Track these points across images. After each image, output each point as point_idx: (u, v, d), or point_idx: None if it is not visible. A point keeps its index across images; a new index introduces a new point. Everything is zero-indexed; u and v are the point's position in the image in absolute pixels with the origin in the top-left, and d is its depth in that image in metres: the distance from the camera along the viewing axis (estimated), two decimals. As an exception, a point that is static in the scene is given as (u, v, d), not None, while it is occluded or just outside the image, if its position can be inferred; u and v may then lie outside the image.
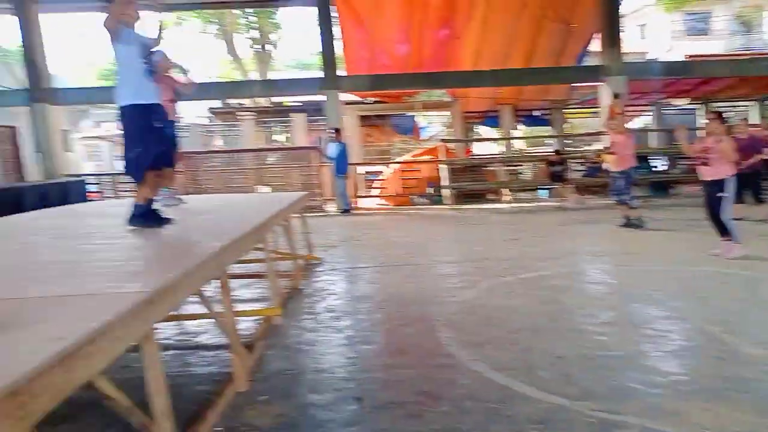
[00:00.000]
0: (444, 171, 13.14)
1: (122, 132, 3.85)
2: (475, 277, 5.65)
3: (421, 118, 22.70)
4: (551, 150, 15.20)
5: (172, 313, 4.19)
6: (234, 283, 5.72)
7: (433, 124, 24.30)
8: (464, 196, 13.24)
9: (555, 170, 12.16)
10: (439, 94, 18.50)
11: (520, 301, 4.76)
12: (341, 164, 11.92)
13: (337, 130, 12.16)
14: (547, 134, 20.67)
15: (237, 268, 6.03)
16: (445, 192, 13.14)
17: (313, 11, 12.85)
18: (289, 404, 2.98)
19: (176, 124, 5.33)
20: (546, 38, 13.99)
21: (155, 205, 4.08)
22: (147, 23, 4.18)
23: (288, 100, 19.09)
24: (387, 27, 13.77)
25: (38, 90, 12.30)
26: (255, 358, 3.57)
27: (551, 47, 14.13)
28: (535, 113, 19.28)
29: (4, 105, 12.68)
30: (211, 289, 3.61)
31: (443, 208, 12.78)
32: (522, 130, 21.53)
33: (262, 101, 20.19)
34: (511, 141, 18.55)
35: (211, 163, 13.35)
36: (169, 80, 5.24)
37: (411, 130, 20.90)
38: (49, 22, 13.09)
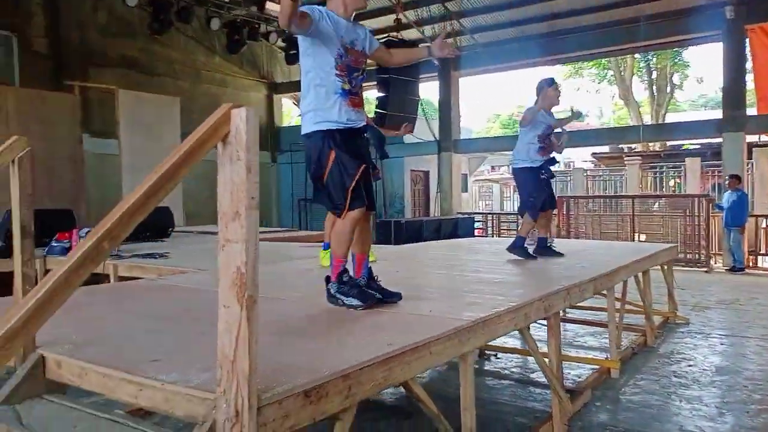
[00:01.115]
0: None
1: (519, 184, 5.32)
2: None
3: None
4: None
5: (498, 344, 4.63)
6: (581, 329, 5.80)
7: None
8: None
9: None
10: None
11: None
12: (736, 215, 10.43)
13: (734, 177, 10.70)
14: None
15: (587, 314, 6.07)
16: None
17: (719, 47, 11.74)
18: (600, 458, 2.97)
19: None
20: None
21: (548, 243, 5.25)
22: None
23: (686, 143, 17.66)
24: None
25: (446, 141, 14.65)
26: (579, 405, 3.63)
27: None
28: None
29: (421, 153, 15.51)
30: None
31: None
32: None
33: (655, 145, 19.16)
34: None
35: (589, 208, 13.44)
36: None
37: None
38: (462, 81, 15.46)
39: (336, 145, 2.73)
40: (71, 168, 9.58)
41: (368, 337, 2.24)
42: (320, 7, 2.78)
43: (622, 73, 22.18)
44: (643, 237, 11.79)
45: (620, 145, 18.75)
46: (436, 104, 15.52)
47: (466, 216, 13.62)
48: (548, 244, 5.26)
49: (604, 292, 4.30)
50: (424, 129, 14.88)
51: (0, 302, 2.88)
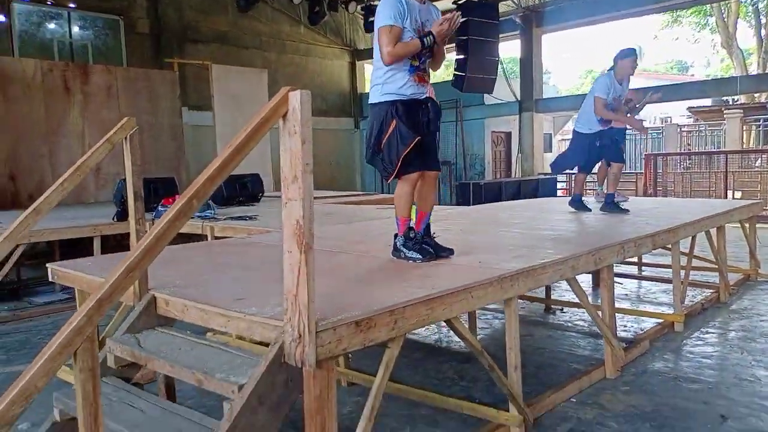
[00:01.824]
0: None
1: (571, 144, 5.70)
2: None
3: None
4: None
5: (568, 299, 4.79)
6: (654, 286, 5.85)
7: None
8: None
9: None
10: None
11: None
12: None
13: None
14: None
15: (663, 272, 6.07)
16: None
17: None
18: (645, 400, 3.17)
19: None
20: None
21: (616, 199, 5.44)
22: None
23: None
24: None
25: (528, 101, 14.42)
26: (635, 355, 3.80)
27: None
28: None
29: (502, 114, 15.37)
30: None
31: None
32: None
33: (761, 96, 17.74)
34: None
35: (685, 166, 12.86)
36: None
37: None
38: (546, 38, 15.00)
39: (398, 115, 3.02)
40: (172, 139, 10.51)
41: (418, 282, 2.57)
42: None
43: (725, 19, 20.47)
44: (738, 194, 11.20)
45: (724, 98, 17.49)
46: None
47: (549, 177, 13.45)
48: (616, 201, 5.32)
49: (668, 247, 4.36)
50: (505, 89, 14.70)
51: (120, 256, 3.49)
